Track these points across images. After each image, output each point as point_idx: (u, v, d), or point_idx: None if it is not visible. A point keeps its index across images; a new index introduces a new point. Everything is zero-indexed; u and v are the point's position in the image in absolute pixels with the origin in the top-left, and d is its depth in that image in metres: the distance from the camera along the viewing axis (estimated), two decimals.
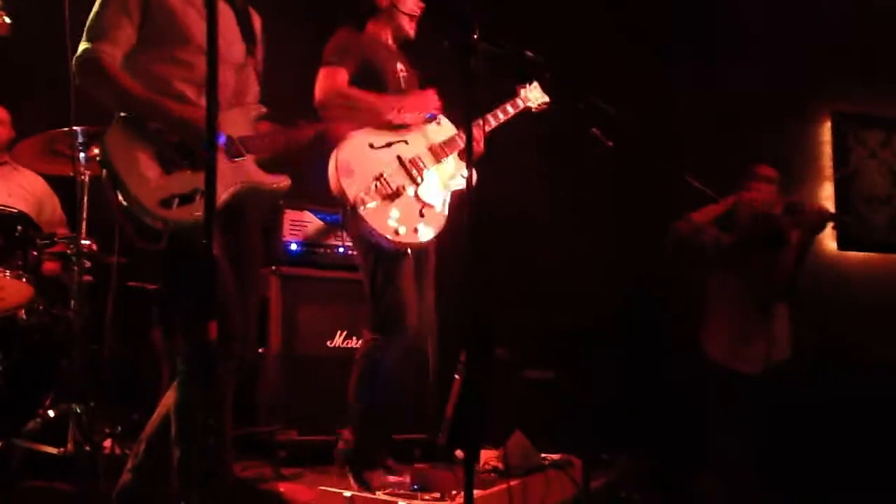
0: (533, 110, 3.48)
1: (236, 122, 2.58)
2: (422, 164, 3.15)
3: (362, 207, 2.97)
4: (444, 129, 3.31)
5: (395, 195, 3.04)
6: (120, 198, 2.34)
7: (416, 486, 2.90)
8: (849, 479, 3.57)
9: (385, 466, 3.16)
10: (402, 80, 3.32)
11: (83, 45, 2.46)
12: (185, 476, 2.33)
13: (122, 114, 2.43)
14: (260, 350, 3.98)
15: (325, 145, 2.98)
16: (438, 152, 3.22)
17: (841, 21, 5.28)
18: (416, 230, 3.06)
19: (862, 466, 3.68)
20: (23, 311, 3.36)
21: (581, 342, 4.30)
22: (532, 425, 3.45)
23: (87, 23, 2.49)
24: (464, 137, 2.93)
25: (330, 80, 3.12)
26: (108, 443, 3.24)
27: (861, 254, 3.95)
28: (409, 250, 3.10)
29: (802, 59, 5.26)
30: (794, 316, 4.00)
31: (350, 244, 3.96)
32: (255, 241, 2.70)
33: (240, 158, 2.53)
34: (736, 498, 3.50)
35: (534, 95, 3.47)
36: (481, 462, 3.25)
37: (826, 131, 5.54)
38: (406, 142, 3.17)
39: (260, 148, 2.59)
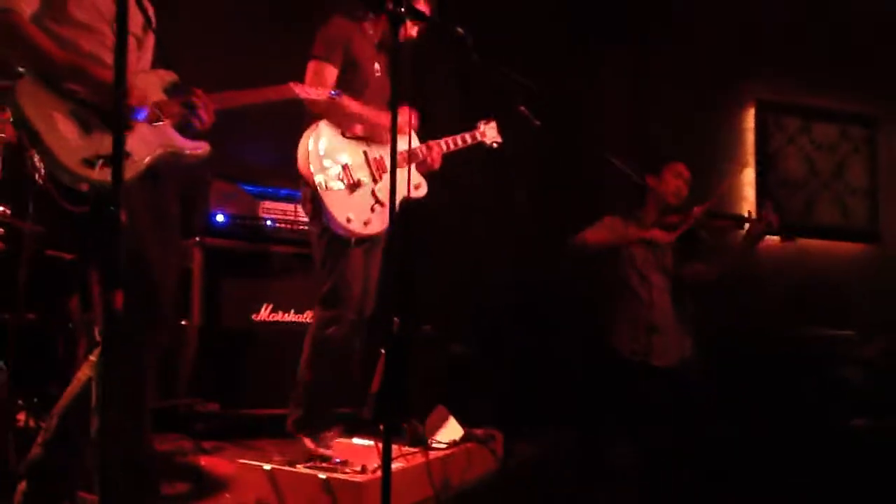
0: (486, 146, 3.65)
1: (150, 87, 2.52)
2: (385, 166, 3.30)
3: (324, 191, 3.14)
4: (411, 141, 3.40)
5: (354, 186, 3.22)
6: (38, 158, 2.26)
7: (338, 460, 2.91)
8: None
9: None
10: (376, 80, 3.41)
11: None
12: (104, 449, 2.29)
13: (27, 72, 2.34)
14: (182, 322, 3.93)
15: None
16: (400, 160, 3.23)
17: (768, 8, 5.44)
18: (365, 223, 3.22)
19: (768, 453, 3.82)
20: None
21: (503, 321, 4.37)
22: (456, 401, 3.49)
23: None
24: (427, 153, 3.42)
25: (319, 78, 3.24)
26: (21, 415, 3.15)
27: (775, 238, 4.07)
28: (353, 239, 3.23)
29: (728, 45, 5.40)
30: (703, 305, 4.12)
31: (291, 219, 4.21)
32: (173, 207, 2.65)
33: (158, 123, 2.48)
34: (651, 469, 3.61)
35: (490, 133, 3.65)
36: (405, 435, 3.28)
37: (750, 118, 5.72)
38: (378, 141, 3.32)
39: (175, 113, 2.54)
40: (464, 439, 3.27)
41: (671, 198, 4.04)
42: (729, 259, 4.09)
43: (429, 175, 3.50)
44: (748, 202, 5.49)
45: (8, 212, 3.21)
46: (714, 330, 4.21)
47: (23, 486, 2.45)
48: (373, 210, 3.24)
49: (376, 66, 3.44)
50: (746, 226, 3.93)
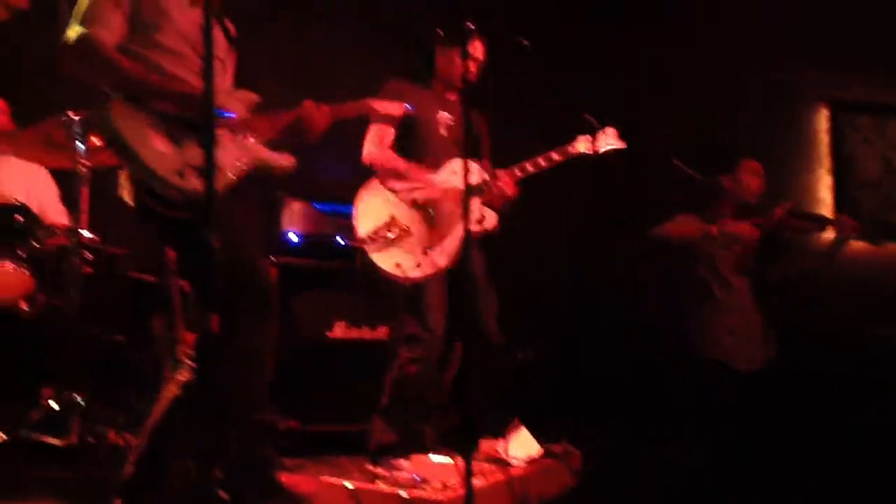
0: (588, 155, 3.57)
1: (236, 104, 2.62)
2: (436, 207, 3.41)
3: (368, 246, 3.31)
4: (471, 174, 3.39)
5: (401, 234, 3.34)
6: (130, 176, 2.35)
7: (418, 478, 2.93)
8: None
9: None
10: (445, 126, 3.54)
11: (76, 30, 2.45)
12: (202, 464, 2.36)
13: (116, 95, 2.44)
14: None
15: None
16: (457, 197, 3.41)
17: (838, 5, 5.29)
18: (417, 265, 3.32)
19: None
20: (24, 302, 3.37)
21: (568, 326, 4.33)
22: (527, 412, 3.48)
23: (78, 12, 2.50)
24: (490, 185, 3.47)
25: (377, 141, 3.46)
26: (111, 433, 3.26)
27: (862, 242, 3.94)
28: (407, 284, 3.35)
29: (797, 45, 5.27)
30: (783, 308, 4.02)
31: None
32: (257, 219, 2.74)
33: (245, 139, 2.57)
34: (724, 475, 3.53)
35: (603, 142, 3.56)
36: (482, 453, 3.29)
37: (823, 119, 5.56)
38: (428, 187, 3.43)
39: (263, 129, 2.63)
40: (541, 456, 3.25)
41: (750, 196, 3.94)
42: (812, 261, 3.98)
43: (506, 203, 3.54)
44: (825, 205, 5.35)
45: (97, 238, 3.33)
46: (793, 332, 4.11)
47: None
48: (425, 252, 3.34)
49: (443, 113, 3.53)
50: (828, 228, 3.83)
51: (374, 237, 3.33)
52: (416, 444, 3.36)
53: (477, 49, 3.55)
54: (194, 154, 2.41)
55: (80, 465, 3.12)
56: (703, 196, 4.09)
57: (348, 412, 3.89)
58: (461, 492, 2.73)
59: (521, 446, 3.24)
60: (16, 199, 3.36)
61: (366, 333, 4.15)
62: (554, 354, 4.35)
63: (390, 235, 3.34)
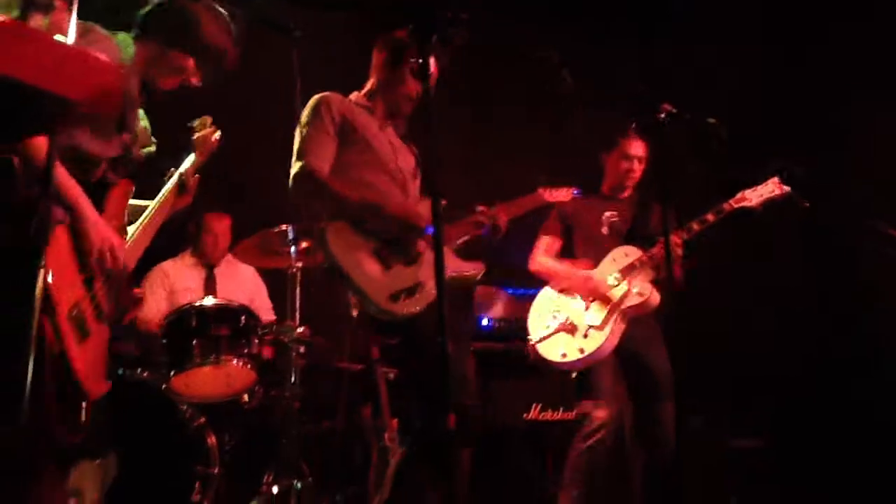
0: (753, 209, 3.50)
1: (424, 216, 2.79)
2: (597, 295, 3.54)
3: (537, 346, 3.56)
4: (629, 256, 3.59)
5: (563, 326, 3.53)
6: (352, 296, 2.57)
7: None
8: None
9: None
10: (608, 225, 3.71)
11: (297, 165, 2.74)
12: None
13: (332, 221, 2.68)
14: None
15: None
16: (616, 281, 3.54)
17: None
18: (580, 350, 3.47)
19: None
20: (245, 395, 3.67)
21: (787, 409, 4.12)
22: (748, 498, 3.34)
23: (296, 148, 2.80)
24: (643, 261, 3.52)
25: (543, 251, 3.76)
26: None
27: None
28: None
29: None
30: None
31: None
32: (462, 320, 2.88)
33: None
34: None
35: (758, 193, 3.48)
36: None
37: None
38: (592, 278, 3.59)
39: (453, 238, 2.80)
40: None
41: None
42: None
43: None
44: None
45: (308, 332, 3.59)
46: None
47: None
48: (585, 336, 3.46)
49: (605, 220, 3.73)
50: None
51: (544, 336, 3.58)
52: None
53: (638, 149, 3.69)
54: (404, 278, 2.63)
55: None
56: None
57: (549, 494, 3.88)
58: None
59: None
60: (238, 301, 3.69)
61: (560, 415, 4.15)
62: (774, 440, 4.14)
63: (555, 327, 3.56)
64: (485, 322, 4.27)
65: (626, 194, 3.79)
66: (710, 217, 3.46)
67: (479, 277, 2.90)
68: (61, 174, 1.90)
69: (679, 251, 3.43)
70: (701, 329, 3.56)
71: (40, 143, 1.75)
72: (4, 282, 1.63)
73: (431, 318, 2.60)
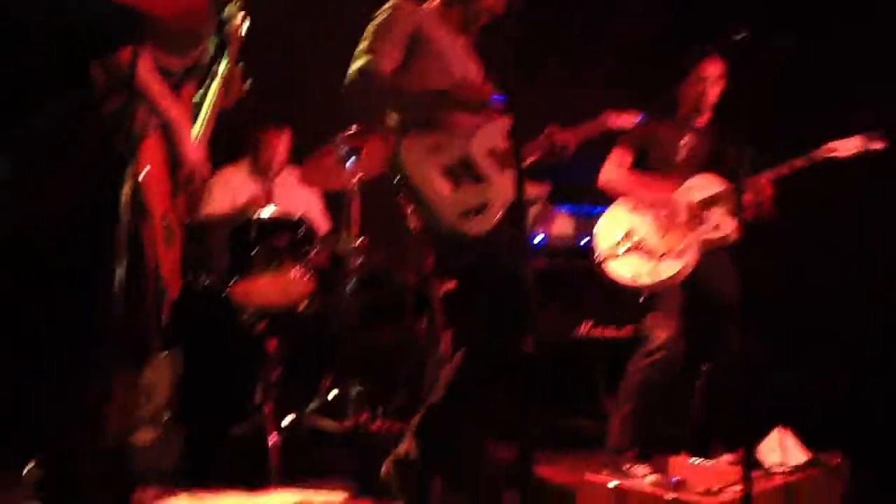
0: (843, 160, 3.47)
1: (497, 135, 2.78)
2: (674, 220, 3.50)
3: (604, 263, 3.51)
4: (712, 185, 3.53)
5: (636, 245, 3.49)
6: (421, 213, 2.60)
7: (675, 478, 2.93)
8: None
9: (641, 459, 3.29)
10: (686, 150, 3.66)
11: (359, 61, 2.69)
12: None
13: (401, 133, 2.67)
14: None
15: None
16: (696, 208, 3.50)
17: None
18: (653, 275, 3.44)
19: None
20: (303, 303, 3.75)
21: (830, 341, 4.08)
22: (793, 423, 3.35)
23: (361, 46, 2.74)
24: (729, 193, 3.45)
25: (615, 165, 3.67)
26: (377, 425, 3.57)
27: None
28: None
29: None
30: None
31: None
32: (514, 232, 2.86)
33: (508, 170, 2.71)
34: None
35: (848, 147, 3.44)
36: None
37: None
38: (668, 201, 3.53)
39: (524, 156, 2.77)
40: (808, 465, 3.13)
41: None
42: None
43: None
44: None
45: (366, 244, 3.65)
46: None
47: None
48: (659, 261, 3.45)
49: (682, 146, 3.63)
50: None
51: (611, 252, 3.52)
52: (659, 447, 3.36)
53: (714, 69, 3.59)
54: (474, 195, 2.63)
55: (356, 447, 3.45)
56: None
57: (597, 410, 3.96)
58: (726, 496, 2.74)
59: (784, 452, 3.14)
60: (296, 214, 3.73)
61: (612, 332, 4.19)
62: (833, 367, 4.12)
63: (627, 245, 3.50)
64: (538, 239, 4.28)
65: (702, 121, 3.69)
66: (798, 163, 3.43)
67: (542, 197, 2.89)
68: (156, 87, 1.92)
69: (769, 191, 3.40)
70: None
71: (126, 58, 1.76)
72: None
73: (499, 238, 2.63)
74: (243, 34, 2.68)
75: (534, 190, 2.91)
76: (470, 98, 2.71)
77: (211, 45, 2.36)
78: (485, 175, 2.70)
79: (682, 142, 3.64)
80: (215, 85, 2.59)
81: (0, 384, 2.01)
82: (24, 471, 2.58)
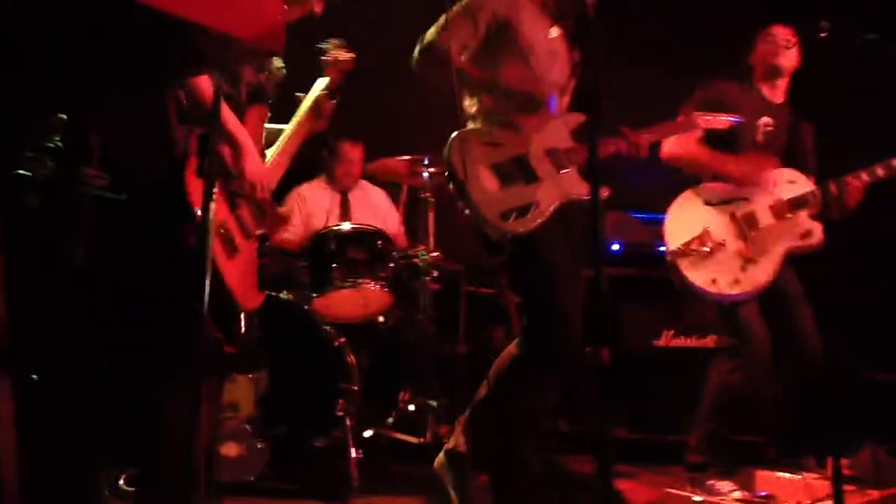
0: None
1: (559, 134, 2.72)
2: (756, 221, 3.26)
3: (678, 259, 3.23)
4: (797, 185, 3.31)
5: (715, 248, 3.22)
6: (464, 208, 2.58)
7: (763, 493, 2.86)
8: None
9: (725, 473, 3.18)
10: (763, 132, 3.39)
11: (430, 35, 2.68)
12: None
13: (463, 128, 2.68)
14: (587, 349, 4.13)
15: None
16: (781, 209, 3.27)
17: None
18: (735, 281, 3.18)
19: None
20: (381, 317, 3.80)
21: None
22: (883, 434, 3.23)
23: (439, 21, 2.70)
24: (818, 196, 3.21)
25: (685, 140, 3.30)
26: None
27: None
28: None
29: None
30: None
31: None
32: (581, 241, 2.79)
33: (564, 171, 2.68)
34: None
35: None
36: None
37: None
38: (746, 198, 3.29)
39: (582, 159, 2.71)
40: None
41: None
42: None
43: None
44: None
45: (441, 256, 3.67)
46: None
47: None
48: (743, 269, 3.19)
49: (761, 125, 3.37)
50: None
51: (687, 251, 3.24)
52: (740, 460, 3.25)
53: (786, 34, 3.35)
54: (520, 195, 2.58)
55: (432, 461, 3.46)
56: None
57: (675, 421, 3.87)
58: None
59: (875, 468, 3.03)
60: (373, 226, 3.78)
61: (692, 342, 4.11)
62: None
63: (705, 249, 3.23)
64: (615, 247, 4.23)
65: (780, 93, 3.42)
66: (879, 171, 3.25)
67: (602, 202, 2.79)
68: (226, 112, 1.97)
69: (859, 196, 3.19)
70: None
71: (204, 81, 1.82)
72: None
73: (544, 239, 2.58)
74: (349, 66, 2.78)
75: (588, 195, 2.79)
76: (529, 94, 2.66)
77: (276, 67, 2.40)
78: (537, 175, 2.64)
79: (762, 121, 3.37)
80: (304, 108, 2.67)
81: (93, 392, 2.09)
82: (121, 479, 2.70)
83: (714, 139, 3.29)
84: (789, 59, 3.37)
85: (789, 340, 3.24)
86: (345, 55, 2.81)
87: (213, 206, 1.59)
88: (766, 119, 3.38)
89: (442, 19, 2.68)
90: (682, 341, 4.10)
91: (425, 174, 3.66)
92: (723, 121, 3.09)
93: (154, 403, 1.96)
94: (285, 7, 1.78)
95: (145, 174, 1.85)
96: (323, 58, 2.79)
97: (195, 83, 1.86)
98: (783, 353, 3.27)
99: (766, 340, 3.21)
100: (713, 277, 3.18)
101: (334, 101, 2.75)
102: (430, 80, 2.70)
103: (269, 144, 2.57)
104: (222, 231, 2.09)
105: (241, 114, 2.21)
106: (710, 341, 4.02)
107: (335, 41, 2.82)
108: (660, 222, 4.30)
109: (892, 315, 4.24)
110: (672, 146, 3.32)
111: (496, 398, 2.65)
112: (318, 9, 2.36)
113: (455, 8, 2.70)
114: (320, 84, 2.75)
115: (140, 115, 1.84)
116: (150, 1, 1.17)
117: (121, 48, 1.47)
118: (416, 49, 2.69)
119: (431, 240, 3.72)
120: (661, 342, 4.11)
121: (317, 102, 2.69)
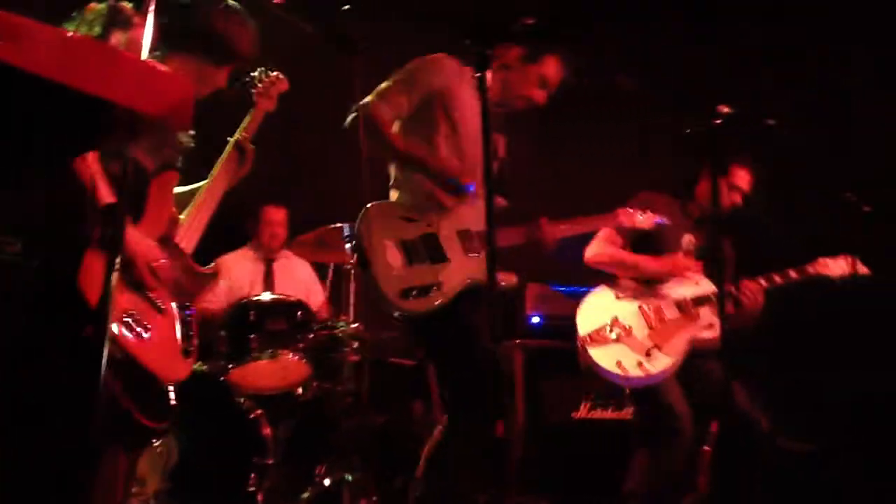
0: (835, 280, 3.52)
1: (474, 217, 2.74)
2: (663, 315, 3.45)
3: (587, 344, 3.40)
4: (700, 286, 3.50)
5: (622, 335, 3.39)
6: (365, 279, 2.61)
7: None
8: None
9: None
10: (687, 249, 3.58)
11: (369, 99, 2.72)
12: None
13: (382, 200, 2.71)
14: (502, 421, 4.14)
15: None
16: (686, 306, 3.47)
17: None
18: (641, 367, 3.33)
19: None
20: (300, 388, 3.74)
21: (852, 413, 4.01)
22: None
23: (381, 85, 2.77)
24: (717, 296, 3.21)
25: (606, 243, 3.52)
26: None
27: None
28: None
29: None
30: None
31: None
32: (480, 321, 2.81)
33: (475, 255, 2.71)
34: None
35: (839, 267, 3.52)
36: None
37: None
38: (654, 295, 3.49)
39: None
40: None
41: None
42: None
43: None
44: None
45: (362, 327, 3.66)
46: None
47: None
48: (648, 354, 3.34)
49: (685, 242, 3.59)
50: None
51: (595, 336, 3.42)
52: None
53: (742, 179, 3.56)
54: (423, 275, 2.60)
55: None
56: None
57: (596, 491, 3.88)
58: None
59: None
60: (294, 296, 3.76)
61: (610, 414, 4.15)
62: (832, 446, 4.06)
63: (612, 336, 3.41)
64: (536, 319, 4.29)
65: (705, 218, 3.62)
66: (792, 274, 3.49)
67: (510, 288, 2.89)
68: (101, 188, 1.91)
69: (761, 298, 3.42)
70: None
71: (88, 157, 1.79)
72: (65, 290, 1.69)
73: (447, 319, 2.63)
74: (284, 89, 2.67)
75: (502, 278, 2.86)
76: (446, 178, 2.71)
77: (185, 139, 2.35)
78: (446, 255, 2.67)
79: (685, 239, 3.57)
80: (225, 153, 2.55)
81: None
82: None
83: (637, 241, 3.50)
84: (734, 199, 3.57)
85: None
86: (275, 78, 2.69)
87: (112, 283, 1.54)
88: (689, 237, 3.58)
89: (383, 84, 2.74)
90: (600, 413, 4.15)
91: (347, 245, 3.67)
92: (647, 220, 3.24)
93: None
94: (193, 84, 1.79)
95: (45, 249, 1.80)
96: (253, 90, 2.65)
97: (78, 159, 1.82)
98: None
99: (686, 414, 3.30)
100: (618, 360, 3.34)
101: (253, 147, 2.60)
102: (363, 142, 2.71)
103: (184, 207, 2.46)
104: (126, 317, 2.02)
105: (143, 184, 2.16)
106: (627, 413, 4.09)
107: (260, 69, 2.67)
108: (581, 295, 4.41)
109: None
110: (595, 253, 3.53)
111: (431, 477, 2.67)
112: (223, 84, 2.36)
113: (393, 76, 2.76)
114: (242, 124, 2.63)
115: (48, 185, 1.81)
116: (42, 71, 1.17)
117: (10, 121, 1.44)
118: (350, 114, 2.72)
119: (352, 311, 3.71)
120: (581, 414, 4.15)
121: (239, 145, 2.57)
